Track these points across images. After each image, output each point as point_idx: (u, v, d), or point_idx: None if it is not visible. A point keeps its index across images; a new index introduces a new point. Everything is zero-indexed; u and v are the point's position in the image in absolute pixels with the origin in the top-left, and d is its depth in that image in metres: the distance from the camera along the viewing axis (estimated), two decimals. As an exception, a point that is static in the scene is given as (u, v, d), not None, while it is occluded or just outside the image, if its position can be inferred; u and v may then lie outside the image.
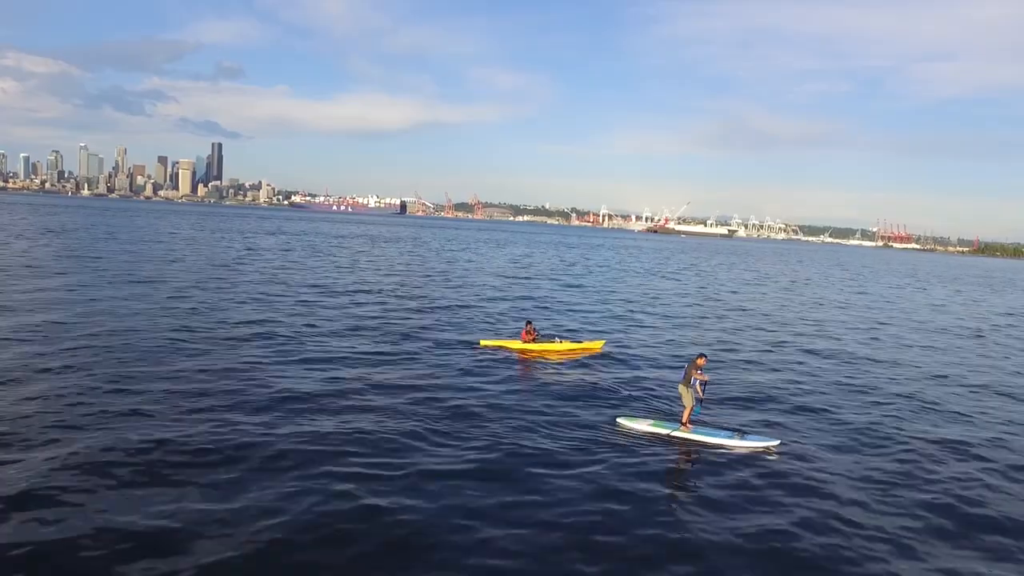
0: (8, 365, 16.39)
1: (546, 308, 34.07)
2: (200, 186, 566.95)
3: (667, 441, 13.99)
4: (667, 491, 11.76)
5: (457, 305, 31.86)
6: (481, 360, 20.53)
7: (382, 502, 10.47)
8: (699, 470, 12.82)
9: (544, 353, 21.97)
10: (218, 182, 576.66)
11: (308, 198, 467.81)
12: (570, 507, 10.74)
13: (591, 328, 28.29)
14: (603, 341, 23.83)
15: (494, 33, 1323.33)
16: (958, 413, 18.03)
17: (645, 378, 19.70)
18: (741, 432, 14.57)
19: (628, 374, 20.11)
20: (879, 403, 18.53)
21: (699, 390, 14.34)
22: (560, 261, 76.00)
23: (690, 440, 14.08)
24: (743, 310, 39.02)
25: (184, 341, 20.31)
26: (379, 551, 9.23)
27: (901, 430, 15.91)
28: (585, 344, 23.18)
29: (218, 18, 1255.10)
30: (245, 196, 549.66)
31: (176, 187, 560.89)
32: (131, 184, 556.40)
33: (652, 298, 42.93)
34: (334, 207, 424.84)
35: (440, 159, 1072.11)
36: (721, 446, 13.87)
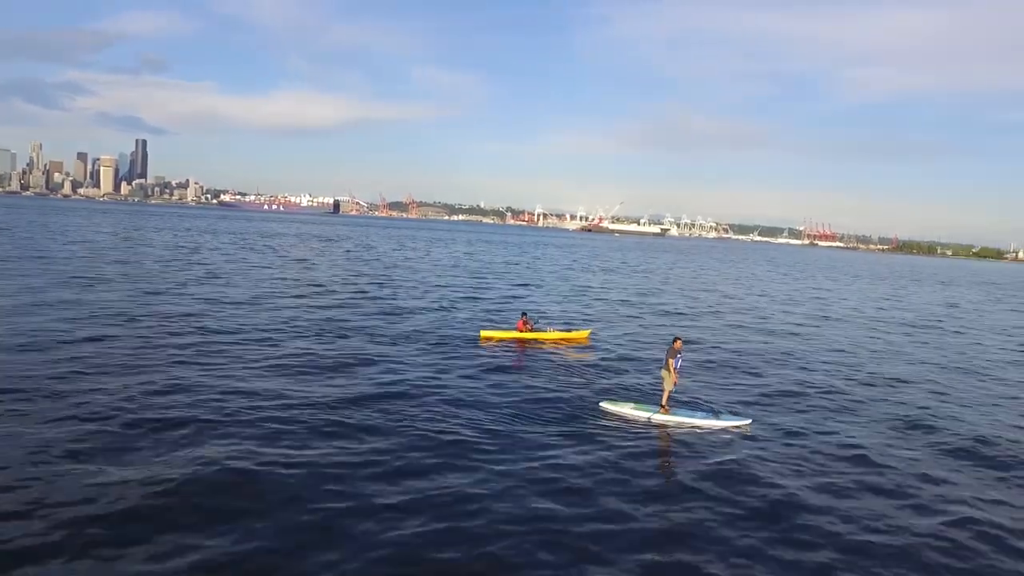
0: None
1: (530, 303, 35.36)
2: (124, 184, 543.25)
3: (647, 423, 15.15)
4: (646, 470, 12.58)
5: (442, 304, 32.76)
6: (481, 349, 21.98)
7: (366, 487, 10.81)
8: (677, 449, 13.91)
9: (537, 341, 23.79)
10: (143, 180, 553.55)
11: (238, 197, 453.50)
12: (550, 486, 11.35)
13: (576, 319, 30.22)
14: (589, 330, 25.97)
15: (430, 32, 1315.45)
16: (929, 391, 20.10)
17: (627, 364, 21.33)
18: (716, 412, 15.95)
19: (611, 360, 21.76)
20: (848, 383, 20.67)
21: (672, 369, 15.50)
22: (514, 260, 77.16)
23: (669, 421, 15.33)
24: (711, 301, 41.75)
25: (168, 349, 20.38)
26: (362, 537, 9.41)
27: (869, 407, 17.81)
28: (573, 333, 25.29)
29: (140, 8, 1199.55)
30: (172, 195, 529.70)
31: (98, 185, 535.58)
32: (47, 181, 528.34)
33: (622, 292, 46.27)
34: (265, 206, 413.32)
35: (374, 158, 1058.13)
36: (698, 426, 15.17)
